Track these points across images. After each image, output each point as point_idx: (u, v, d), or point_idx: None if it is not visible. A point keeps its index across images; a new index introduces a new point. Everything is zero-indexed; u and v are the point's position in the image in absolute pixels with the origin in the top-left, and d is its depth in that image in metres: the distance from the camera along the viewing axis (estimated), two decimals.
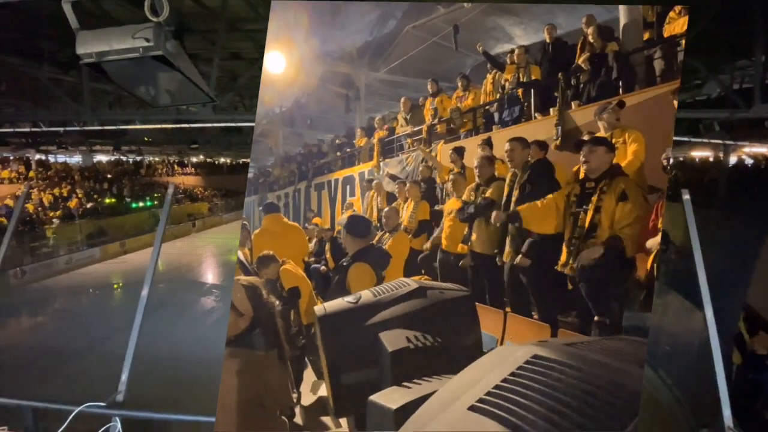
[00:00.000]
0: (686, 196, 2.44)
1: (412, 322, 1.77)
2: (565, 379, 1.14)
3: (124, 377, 2.35)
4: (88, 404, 2.16)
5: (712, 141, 13.01)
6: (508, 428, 1.03)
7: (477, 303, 2.02)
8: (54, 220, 15.64)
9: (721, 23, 6.92)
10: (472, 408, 1.11)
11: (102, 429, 2.16)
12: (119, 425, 2.15)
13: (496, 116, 3.08)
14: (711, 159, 17.04)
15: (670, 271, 8.69)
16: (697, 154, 18.05)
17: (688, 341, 6.63)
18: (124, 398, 2.28)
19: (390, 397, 1.37)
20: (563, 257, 2.12)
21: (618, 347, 1.45)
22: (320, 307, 1.88)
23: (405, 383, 1.44)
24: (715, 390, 2.31)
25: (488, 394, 1.13)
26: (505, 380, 1.17)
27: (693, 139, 12.76)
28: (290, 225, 2.93)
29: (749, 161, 15.12)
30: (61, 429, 2.12)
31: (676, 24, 2.29)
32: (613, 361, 1.26)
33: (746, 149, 14.19)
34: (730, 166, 13.79)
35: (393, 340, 1.67)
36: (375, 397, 1.41)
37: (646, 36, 2.59)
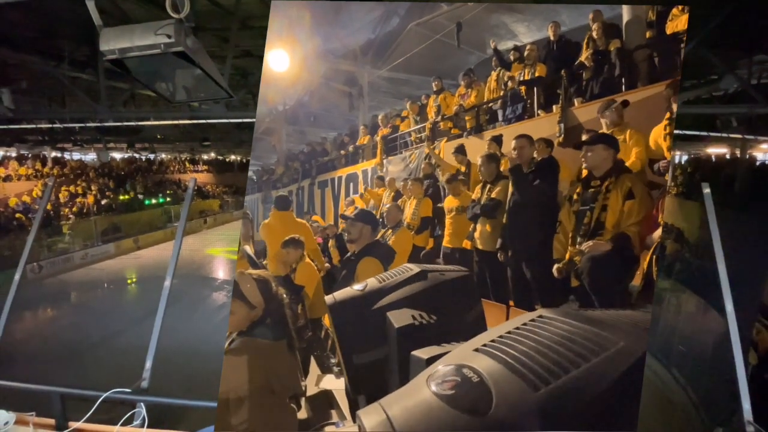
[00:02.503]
0: (706, 190, 2.40)
1: (415, 302, 1.90)
2: (559, 331, 1.43)
3: (148, 365, 2.42)
4: (114, 390, 2.24)
5: (731, 136, 12.73)
6: (499, 363, 1.33)
7: (482, 299, 2.12)
8: (70, 216, 15.97)
9: (738, 17, 6.77)
10: (476, 350, 1.42)
11: (128, 414, 2.23)
12: (144, 410, 2.21)
13: (500, 114, 3.06)
14: (728, 155, 16.67)
15: (685, 269, 8.59)
16: (714, 150, 17.67)
17: (703, 341, 6.55)
18: (148, 385, 2.35)
19: (424, 351, 1.64)
20: (566, 255, 2.11)
21: (617, 313, 1.69)
22: (330, 297, 2.01)
23: (443, 344, 1.67)
24: (729, 389, 2.28)
25: (492, 340, 1.44)
26: (509, 332, 1.47)
27: (711, 134, 12.50)
28: (299, 222, 2.95)
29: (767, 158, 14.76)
30: (88, 414, 2.19)
31: (679, 21, 2.25)
32: (607, 319, 1.53)
33: (764, 145, 13.85)
34: (747, 162, 13.49)
35: (399, 317, 1.83)
36: (415, 352, 1.66)
37: (649, 34, 2.55)
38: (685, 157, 18.96)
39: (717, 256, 2.32)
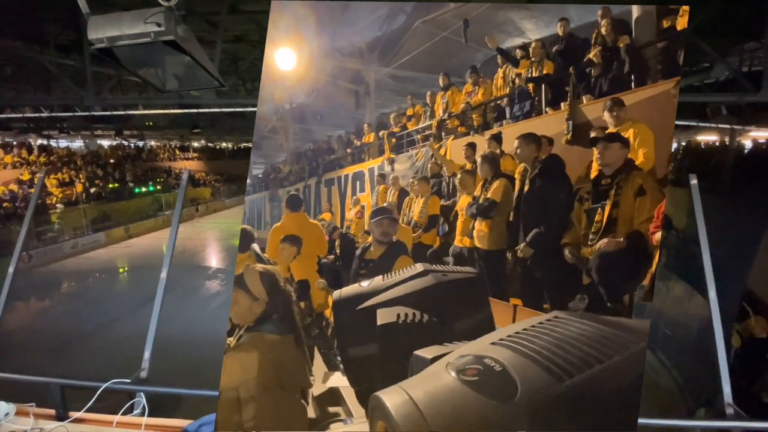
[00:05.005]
0: (693, 181, 2.45)
1: (412, 301, 1.91)
2: (575, 330, 1.44)
3: (146, 355, 2.44)
4: (114, 381, 2.25)
5: (719, 126, 12.87)
6: (520, 355, 1.34)
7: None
8: (58, 205, 15.74)
9: (730, 4, 6.79)
10: (493, 343, 1.43)
11: (128, 404, 2.26)
12: (144, 400, 2.24)
13: (507, 111, 3.02)
14: (717, 144, 16.86)
15: (672, 255, 8.76)
16: (703, 138, 17.85)
17: (688, 325, 6.74)
18: (147, 375, 2.38)
19: (428, 351, 1.62)
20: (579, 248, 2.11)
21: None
22: (337, 292, 2.04)
23: (446, 343, 1.67)
24: (712, 372, 2.37)
25: (509, 336, 1.45)
26: (525, 329, 1.48)
27: (700, 124, 12.61)
28: (311, 224, 2.93)
29: (756, 146, 14.96)
30: (89, 404, 2.21)
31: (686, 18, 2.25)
32: (617, 320, 1.59)
33: (753, 134, 14.03)
34: (736, 151, 13.66)
35: (384, 315, 1.85)
36: (417, 352, 1.65)
37: (666, 24, 2.51)
38: (674, 145, 19.15)
39: (702, 245, 2.40)
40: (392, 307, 1.87)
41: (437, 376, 1.36)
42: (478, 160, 2.58)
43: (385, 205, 3.03)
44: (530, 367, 1.29)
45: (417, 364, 1.61)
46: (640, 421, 2.00)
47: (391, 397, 1.29)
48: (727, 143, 14.07)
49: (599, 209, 2.05)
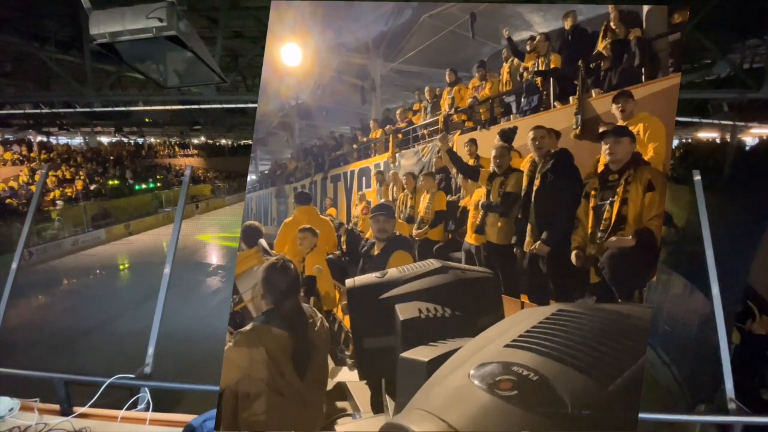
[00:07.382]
0: (697, 177, 2.44)
1: (431, 296, 1.89)
2: (586, 324, 1.37)
3: (150, 351, 2.45)
4: (118, 376, 2.26)
5: (721, 122, 12.85)
6: (540, 355, 1.25)
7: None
8: (58, 201, 15.73)
9: (732, 1, 6.76)
10: (507, 345, 1.33)
11: (132, 399, 2.26)
12: (148, 395, 2.25)
13: (514, 106, 2.99)
14: (718, 140, 16.84)
15: (671, 252, 8.77)
16: (704, 134, 17.83)
17: (688, 322, 6.75)
18: (151, 370, 2.39)
19: (420, 353, 1.53)
20: (586, 247, 2.07)
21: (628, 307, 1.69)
22: (350, 281, 2.00)
23: (431, 343, 1.60)
24: (712, 368, 2.38)
25: (520, 336, 1.36)
26: (534, 327, 1.39)
27: (702, 120, 12.60)
28: (322, 219, 2.93)
29: (757, 143, 14.94)
30: (93, 399, 2.22)
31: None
32: (623, 309, 1.54)
33: (754, 130, 14.00)
34: (736, 147, 13.65)
35: (406, 310, 1.81)
36: (406, 354, 1.56)
37: (678, 19, 2.48)
38: (675, 142, 19.12)
39: (705, 242, 2.39)
40: (411, 302, 1.84)
41: (466, 392, 1.21)
42: (494, 152, 2.52)
43: (382, 201, 3.01)
44: (567, 372, 1.18)
45: (410, 369, 1.51)
46: (642, 415, 2.01)
47: (423, 426, 1.13)
48: (729, 140, 14.06)
49: (607, 206, 2.03)
